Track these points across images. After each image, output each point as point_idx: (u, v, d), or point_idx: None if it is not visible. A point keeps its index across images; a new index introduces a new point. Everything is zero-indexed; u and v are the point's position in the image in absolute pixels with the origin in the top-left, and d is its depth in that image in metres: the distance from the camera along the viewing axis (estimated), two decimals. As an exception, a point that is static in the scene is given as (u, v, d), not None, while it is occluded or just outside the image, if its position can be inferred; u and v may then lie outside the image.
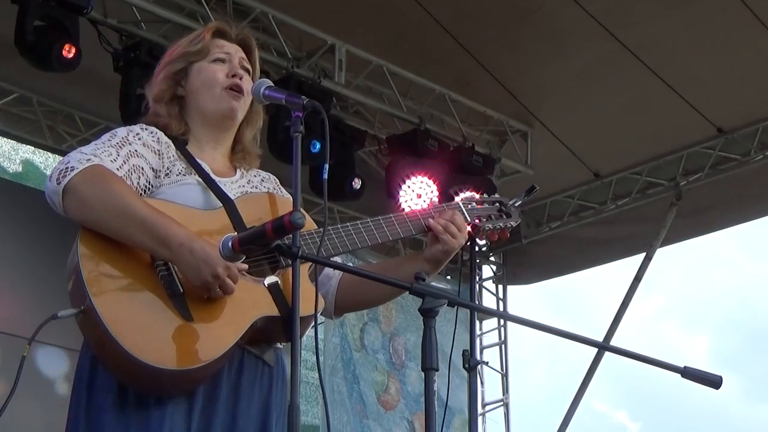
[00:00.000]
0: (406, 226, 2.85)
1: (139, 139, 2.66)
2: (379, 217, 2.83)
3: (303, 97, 2.58)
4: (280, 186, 2.90)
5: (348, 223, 2.78)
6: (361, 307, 3.03)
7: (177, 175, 2.66)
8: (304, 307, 2.43)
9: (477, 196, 3.04)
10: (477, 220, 2.95)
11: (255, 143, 2.90)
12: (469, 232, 2.92)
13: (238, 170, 2.83)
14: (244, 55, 2.86)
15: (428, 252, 2.85)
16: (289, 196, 2.80)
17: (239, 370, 2.57)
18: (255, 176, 2.86)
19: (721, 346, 20.38)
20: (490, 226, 2.98)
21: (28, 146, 7.78)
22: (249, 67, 2.86)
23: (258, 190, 2.81)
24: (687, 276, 19.99)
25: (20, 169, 7.70)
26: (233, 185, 2.75)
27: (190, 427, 2.47)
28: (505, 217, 3.01)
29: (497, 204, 3.03)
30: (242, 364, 2.58)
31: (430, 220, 2.85)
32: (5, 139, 7.66)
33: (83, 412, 2.50)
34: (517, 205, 3.05)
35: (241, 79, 2.79)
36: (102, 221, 2.49)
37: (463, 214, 2.91)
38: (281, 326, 2.56)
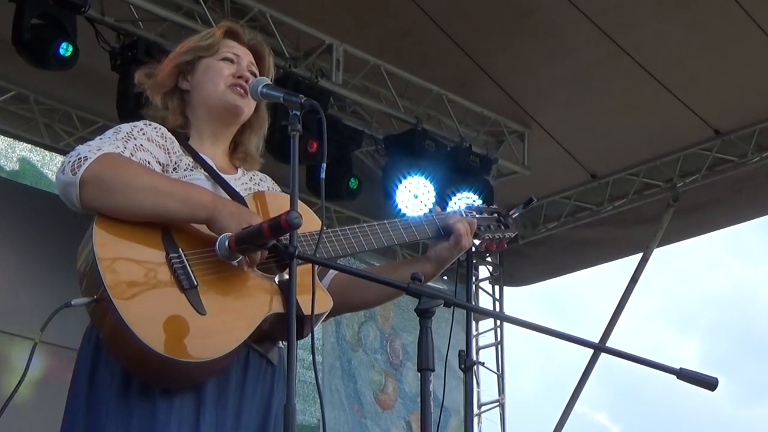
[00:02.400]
0: (411, 231, 2.87)
1: (144, 134, 2.66)
2: (385, 221, 2.84)
3: (301, 95, 2.58)
4: (276, 186, 2.91)
5: (355, 225, 2.79)
6: (352, 309, 3.02)
7: (184, 170, 2.67)
8: (310, 306, 2.44)
9: (476, 204, 3.08)
10: (476, 229, 2.96)
11: (258, 151, 2.91)
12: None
13: (239, 169, 2.84)
14: (253, 60, 2.87)
15: (433, 252, 2.88)
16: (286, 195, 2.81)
17: (245, 368, 2.58)
18: (254, 176, 2.87)
19: (713, 349, 20.42)
20: (488, 235, 3.02)
21: (25, 144, 7.78)
22: (256, 72, 2.85)
23: (259, 188, 2.82)
24: (678, 279, 20.02)
25: (17, 168, 7.70)
26: (237, 182, 2.77)
27: (199, 422, 2.46)
28: (503, 227, 3.06)
29: (496, 214, 3.07)
30: (248, 361, 2.58)
31: (458, 224, 2.86)
32: (2, 137, 7.66)
33: (83, 404, 2.50)
34: (515, 216, 3.09)
35: (247, 81, 2.80)
36: (131, 201, 2.49)
37: None
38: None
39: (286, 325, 2.50)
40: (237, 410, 2.54)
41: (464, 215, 2.95)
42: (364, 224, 2.81)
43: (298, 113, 2.55)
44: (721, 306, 20.04)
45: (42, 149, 7.84)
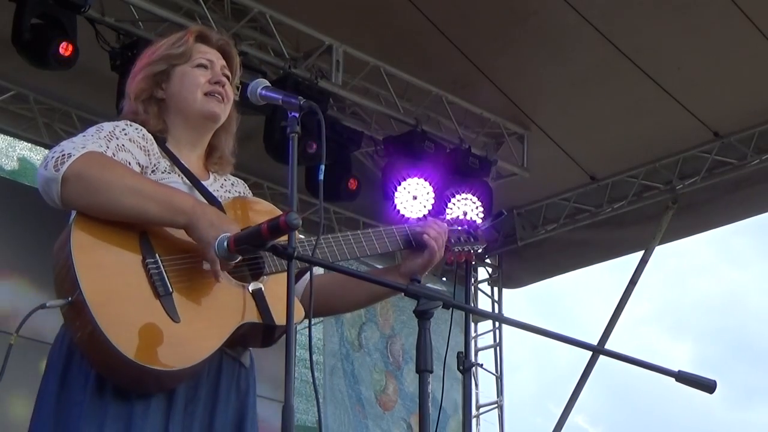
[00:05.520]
0: (394, 240, 2.88)
1: (126, 134, 2.66)
2: (370, 230, 2.85)
3: (300, 97, 2.58)
4: (249, 191, 2.92)
5: (338, 234, 2.79)
6: (325, 314, 3.02)
7: (162, 172, 2.67)
8: (284, 317, 2.43)
9: (447, 218, 3.11)
10: (447, 241, 2.98)
11: (230, 151, 2.90)
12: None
13: (211, 174, 2.84)
14: (224, 63, 2.87)
15: (405, 266, 2.90)
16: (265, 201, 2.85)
17: (218, 372, 2.59)
18: (226, 180, 2.87)
19: (705, 353, 20.44)
20: (458, 248, 3.04)
21: (25, 143, 7.79)
22: (229, 74, 2.86)
23: (230, 194, 2.83)
24: (670, 283, 20.04)
25: (17, 167, 7.70)
26: (210, 188, 2.76)
27: (167, 427, 2.47)
28: (472, 240, 3.07)
29: (466, 226, 3.09)
30: (221, 365, 2.60)
31: (425, 234, 2.87)
32: (2, 136, 7.66)
33: (53, 405, 2.49)
34: (484, 228, 3.11)
35: (223, 86, 2.81)
36: (113, 201, 2.49)
37: None
38: (261, 333, 2.59)
39: (259, 334, 2.56)
40: (209, 415, 2.56)
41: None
42: (339, 234, 2.81)
43: (297, 115, 2.56)
44: (713, 310, 20.08)
45: (42, 148, 7.84)
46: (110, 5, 6.76)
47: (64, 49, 6.30)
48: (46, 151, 7.57)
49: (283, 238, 2.43)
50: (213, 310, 2.53)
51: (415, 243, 2.88)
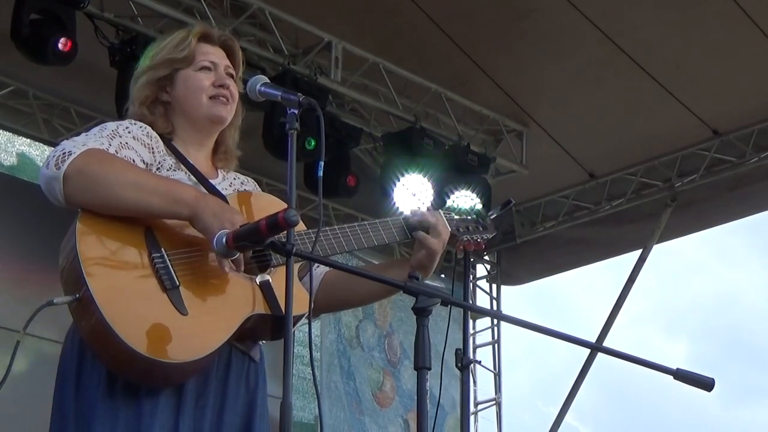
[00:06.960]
0: (390, 232, 2.86)
1: (129, 132, 2.66)
2: (355, 224, 2.84)
3: (299, 94, 2.59)
4: (259, 189, 2.91)
5: (336, 226, 2.79)
6: (339, 308, 3.03)
7: (167, 170, 2.67)
8: (294, 307, 2.42)
9: (455, 206, 3.09)
10: (455, 230, 2.97)
11: (235, 143, 2.90)
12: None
13: (219, 172, 2.84)
14: (228, 62, 2.86)
15: (414, 258, 2.87)
16: (269, 195, 2.84)
17: (227, 366, 2.59)
18: (235, 179, 2.88)
19: (701, 352, 20.45)
20: (467, 237, 3.02)
21: (24, 139, 7.78)
22: (233, 72, 2.86)
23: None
24: (665, 282, 20.03)
25: (15, 162, 7.70)
26: (218, 186, 2.76)
27: (178, 422, 2.48)
28: (481, 229, 3.05)
29: (474, 215, 3.07)
30: (230, 360, 2.60)
31: (424, 222, 2.86)
32: (1, 131, 7.65)
33: (72, 406, 2.50)
34: (492, 217, 3.10)
35: (228, 88, 2.80)
36: (115, 196, 2.49)
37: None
38: (270, 325, 2.59)
39: (268, 326, 2.56)
40: (219, 410, 2.56)
41: (443, 215, 2.94)
42: (345, 225, 2.80)
43: (296, 111, 2.56)
44: (708, 309, 20.10)
45: (40, 144, 7.84)
46: (109, 1, 6.76)
47: (63, 44, 6.30)
48: (45, 147, 7.72)
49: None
50: (221, 302, 2.53)
51: (412, 233, 2.87)
